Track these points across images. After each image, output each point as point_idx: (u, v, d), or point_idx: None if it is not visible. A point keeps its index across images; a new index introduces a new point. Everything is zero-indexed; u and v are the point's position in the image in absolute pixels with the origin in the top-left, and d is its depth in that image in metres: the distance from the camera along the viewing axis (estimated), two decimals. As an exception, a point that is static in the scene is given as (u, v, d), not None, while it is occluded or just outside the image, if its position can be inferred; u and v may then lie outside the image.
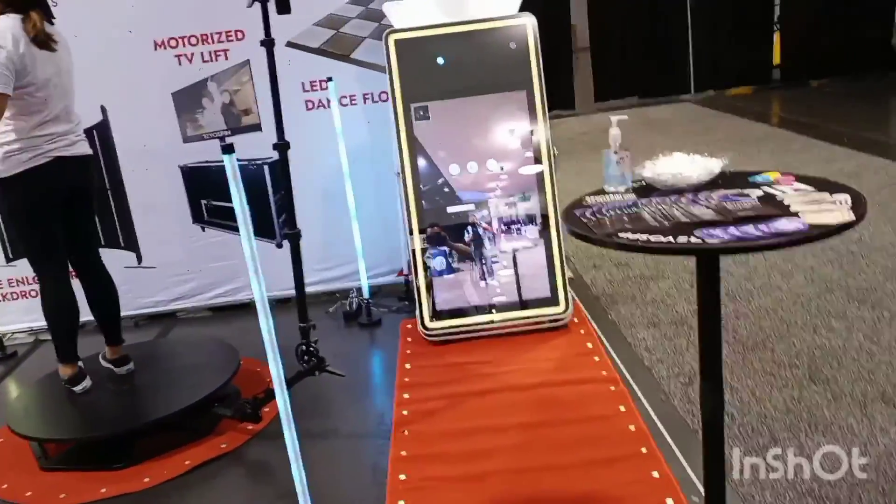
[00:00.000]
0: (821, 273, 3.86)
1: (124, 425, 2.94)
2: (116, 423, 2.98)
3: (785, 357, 3.07)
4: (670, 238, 1.57)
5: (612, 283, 4.11)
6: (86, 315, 3.20)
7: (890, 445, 2.42)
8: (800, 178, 1.85)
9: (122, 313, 3.31)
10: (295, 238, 3.05)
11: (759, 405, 2.74)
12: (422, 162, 3.58)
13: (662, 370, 3.09)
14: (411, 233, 3.57)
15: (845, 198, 1.66)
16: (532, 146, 3.55)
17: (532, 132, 3.55)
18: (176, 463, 2.79)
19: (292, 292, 3.14)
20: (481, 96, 3.57)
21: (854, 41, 9.63)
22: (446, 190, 3.59)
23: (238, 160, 2.08)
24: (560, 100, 9.51)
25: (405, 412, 2.94)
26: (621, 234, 1.63)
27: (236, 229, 2.08)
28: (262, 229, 4.06)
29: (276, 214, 4.12)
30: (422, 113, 3.57)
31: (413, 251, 3.58)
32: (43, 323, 3.11)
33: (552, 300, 3.51)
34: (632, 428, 2.63)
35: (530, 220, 3.56)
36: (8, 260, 4.13)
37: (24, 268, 3.71)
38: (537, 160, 3.55)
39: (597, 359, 3.19)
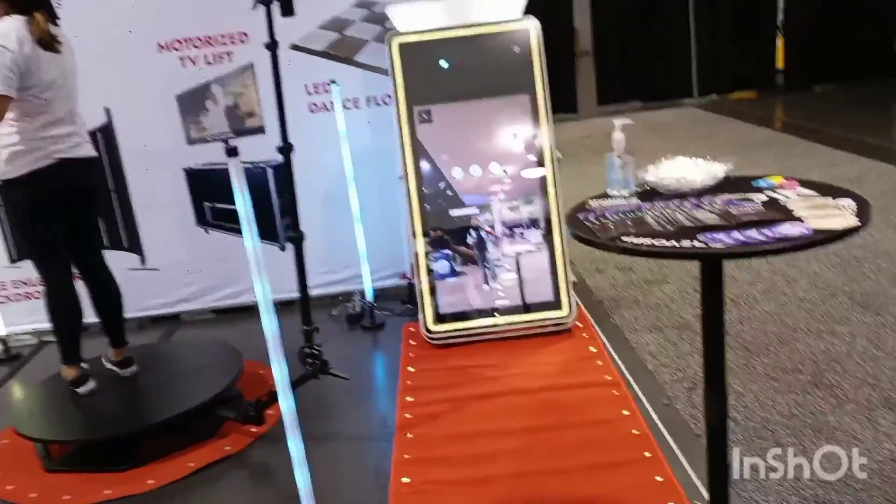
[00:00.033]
0: (825, 278, 3.85)
1: (128, 427, 2.94)
2: (120, 424, 2.98)
3: (789, 362, 3.07)
4: (674, 242, 1.57)
5: (616, 287, 4.11)
6: (90, 317, 3.21)
7: (895, 451, 2.41)
8: (804, 183, 1.85)
9: (126, 315, 3.31)
10: (298, 241, 3.05)
11: (763, 410, 2.73)
12: (425, 165, 3.58)
13: (665, 374, 3.09)
14: (414, 236, 3.57)
15: (850, 203, 1.67)
16: (535, 150, 3.56)
17: (535, 136, 3.55)
18: (179, 465, 2.79)
19: (295, 295, 3.15)
20: (484, 100, 3.58)
21: (858, 46, 9.63)
22: (449, 193, 3.59)
23: (241, 163, 2.09)
24: (563, 104, 9.51)
25: (408, 415, 2.94)
26: (625, 238, 1.64)
27: (240, 232, 2.08)
28: (266, 232, 4.06)
29: (279, 217, 4.13)
30: (425, 116, 3.58)
31: (416, 254, 3.58)
32: (47, 324, 3.12)
33: (555, 304, 3.51)
34: (635, 432, 2.63)
35: (533, 223, 3.56)
36: (12, 261, 4.13)
37: (28, 269, 3.71)
38: (540, 164, 3.55)
39: (600, 363, 3.19)
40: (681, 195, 1.87)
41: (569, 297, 3.50)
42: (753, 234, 1.55)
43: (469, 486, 2.45)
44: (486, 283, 3.56)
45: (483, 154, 3.58)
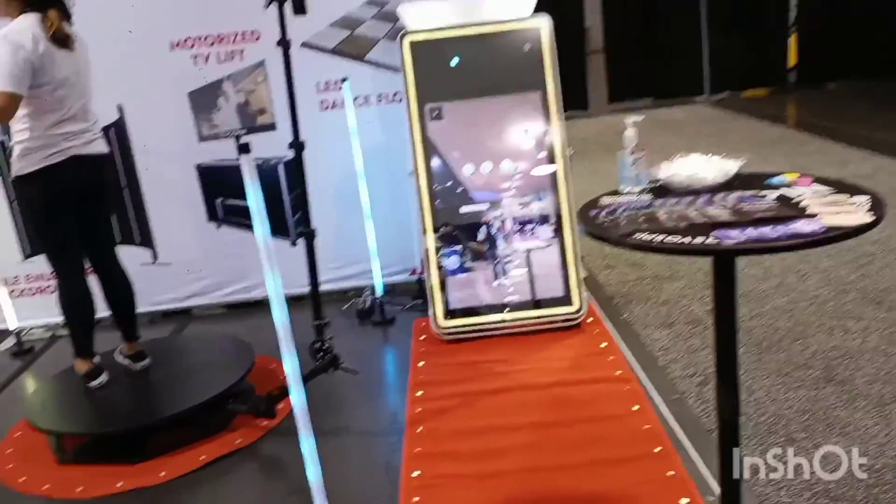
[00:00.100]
0: (837, 274, 3.84)
1: (140, 420, 2.96)
2: (133, 418, 3.01)
3: (800, 358, 3.06)
4: (687, 239, 1.57)
5: (627, 283, 4.11)
6: (103, 311, 3.23)
7: (906, 448, 2.41)
8: (817, 180, 1.84)
9: (138, 310, 3.34)
10: (310, 236, 3.06)
11: (775, 405, 2.73)
12: (436, 162, 3.59)
13: (677, 370, 3.08)
14: (425, 232, 3.58)
15: (863, 199, 1.66)
16: (546, 147, 3.55)
17: (546, 133, 3.55)
18: (191, 458, 2.81)
19: (306, 290, 3.16)
20: (495, 97, 3.57)
21: (870, 43, 9.56)
22: (460, 190, 3.59)
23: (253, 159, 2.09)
24: (574, 101, 9.50)
25: (418, 410, 2.95)
26: (637, 235, 1.64)
27: (251, 227, 2.09)
28: (277, 228, 4.07)
29: (290, 213, 4.15)
30: (436, 114, 3.58)
31: (426, 250, 3.59)
32: (60, 318, 3.14)
33: (566, 299, 3.51)
34: (646, 427, 2.63)
35: (544, 219, 3.56)
36: (25, 256, 4.17)
37: (41, 264, 3.75)
38: (551, 161, 3.55)
39: (611, 358, 3.18)
40: (693, 192, 1.87)
41: (579, 292, 3.50)
42: (766, 230, 1.54)
43: (479, 481, 2.46)
44: (497, 278, 3.56)
45: (494, 151, 3.58)
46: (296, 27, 3.03)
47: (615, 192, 2.01)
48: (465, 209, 3.59)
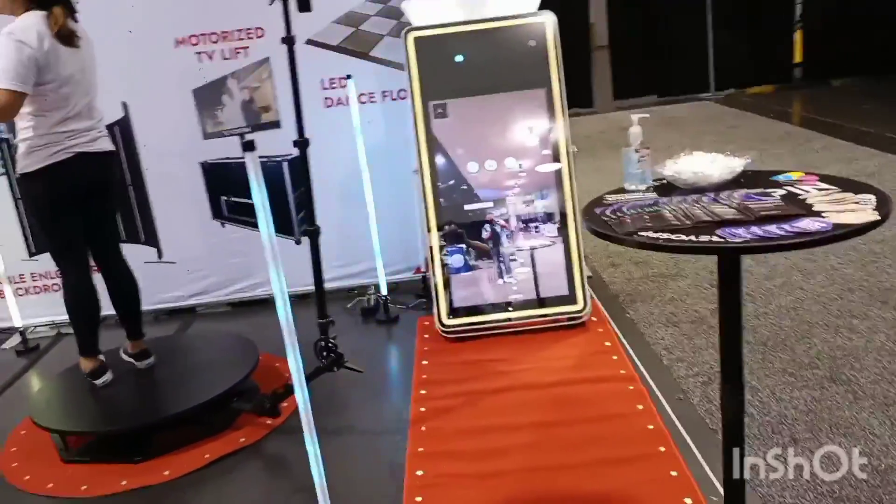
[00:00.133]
0: (842, 273, 3.82)
1: (145, 419, 2.96)
2: (137, 416, 3.01)
3: (805, 357, 3.05)
4: (692, 237, 1.56)
5: (631, 282, 4.10)
6: (108, 309, 3.23)
7: (912, 447, 2.40)
8: (823, 178, 1.83)
9: (143, 308, 3.34)
10: (314, 234, 3.06)
11: (780, 405, 2.72)
12: (440, 159, 3.58)
13: (681, 369, 3.07)
14: (429, 230, 3.58)
15: (869, 198, 1.65)
16: (550, 144, 3.54)
17: (551, 130, 3.54)
18: (195, 456, 2.81)
19: (310, 289, 3.16)
20: (500, 94, 3.57)
21: (876, 40, 9.52)
22: (464, 187, 3.58)
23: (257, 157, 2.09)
24: (578, 98, 9.49)
25: (422, 409, 2.95)
26: (642, 233, 1.63)
27: (255, 225, 2.08)
28: (281, 226, 4.08)
29: (294, 211, 4.14)
30: (440, 110, 3.58)
31: (430, 248, 3.58)
32: (65, 317, 3.14)
33: (570, 298, 3.50)
34: (650, 427, 2.62)
35: (549, 217, 3.55)
36: (31, 254, 4.18)
37: (46, 262, 3.75)
38: (556, 158, 3.54)
39: (615, 357, 3.18)
40: (698, 190, 1.86)
41: (583, 291, 3.49)
42: (772, 228, 1.53)
43: (483, 480, 2.45)
44: (501, 277, 3.56)
45: (498, 148, 3.57)
46: (300, 24, 3.02)
47: (620, 190, 2.00)
48: (469, 207, 3.58)
